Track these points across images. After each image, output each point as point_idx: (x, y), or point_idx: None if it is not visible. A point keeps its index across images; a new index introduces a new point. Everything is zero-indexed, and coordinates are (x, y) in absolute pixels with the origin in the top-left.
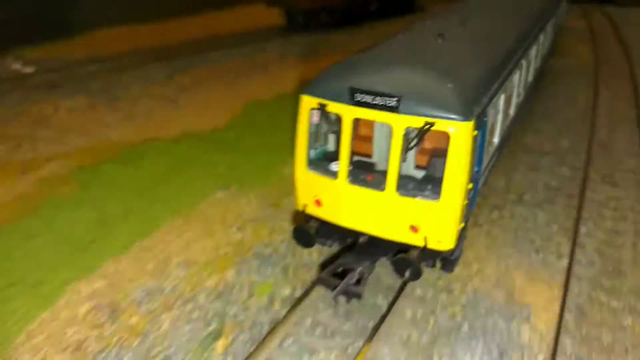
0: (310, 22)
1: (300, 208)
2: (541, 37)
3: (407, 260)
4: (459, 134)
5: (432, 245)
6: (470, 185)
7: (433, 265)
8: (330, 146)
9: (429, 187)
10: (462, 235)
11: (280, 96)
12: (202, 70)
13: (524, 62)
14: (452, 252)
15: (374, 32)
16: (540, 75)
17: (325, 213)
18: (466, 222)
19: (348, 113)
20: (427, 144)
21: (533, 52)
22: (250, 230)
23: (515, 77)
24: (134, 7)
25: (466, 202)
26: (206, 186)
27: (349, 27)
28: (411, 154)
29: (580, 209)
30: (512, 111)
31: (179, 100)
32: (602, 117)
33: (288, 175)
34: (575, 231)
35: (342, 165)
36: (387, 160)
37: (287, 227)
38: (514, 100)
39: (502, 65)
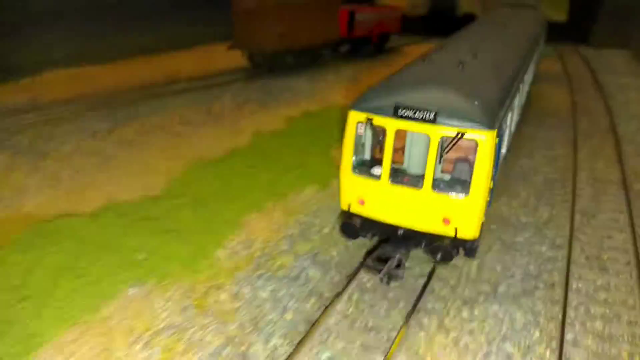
0: (275, 64)
1: (344, 208)
2: (532, 66)
3: (441, 246)
4: (486, 140)
5: (461, 235)
6: (491, 184)
7: (458, 253)
8: (367, 155)
9: (458, 186)
10: (482, 227)
11: (232, 153)
12: (150, 120)
13: (521, 86)
14: (475, 240)
15: (339, 75)
16: (529, 98)
17: (368, 210)
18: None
19: (391, 125)
20: (451, 154)
21: (526, 77)
22: (160, 347)
23: (516, 99)
24: (88, 47)
25: (488, 198)
26: (117, 281)
27: (316, 69)
28: (437, 165)
29: (565, 305)
30: (513, 127)
31: (115, 158)
32: (584, 180)
33: (224, 259)
34: (561, 339)
35: (385, 169)
36: (419, 165)
37: (211, 339)
38: (515, 118)
39: (508, 89)
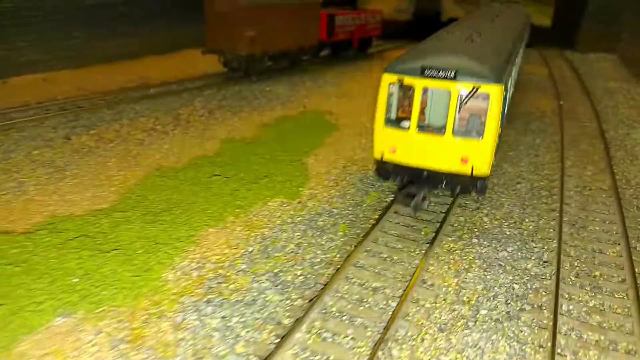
0: (252, 69)
1: (378, 157)
2: (521, 50)
3: (460, 181)
4: (496, 92)
5: (477, 172)
6: (500, 130)
7: (471, 192)
8: (394, 114)
9: (473, 132)
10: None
11: (196, 161)
12: (112, 127)
13: (516, 61)
14: (486, 179)
15: (319, 81)
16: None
17: (398, 157)
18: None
19: (419, 83)
20: (464, 113)
21: (518, 59)
22: None
23: (513, 71)
24: (58, 51)
25: (497, 141)
26: (43, 309)
27: (296, 74)
28: (457, 115)
29: (554, 331)
30: (508, 99)
31: (68, 169)
32: (572, 187)
33: (171, 282)
34: None
35: (413, 120)
36: (439, 119)
37: None
38: (510, 90)
39: (507, 59)
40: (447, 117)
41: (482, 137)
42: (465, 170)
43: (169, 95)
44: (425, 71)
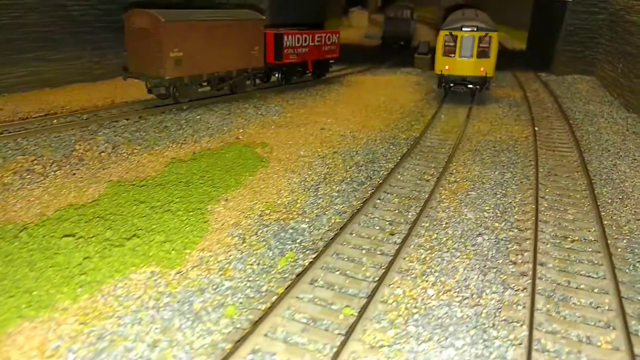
0: (182, 95)
1: (438, 72)
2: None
3: (480, 82)
4: (495, 36)
5: (488, 75)
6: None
7: (486, 85)
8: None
9: (485, 57)
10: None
11: (60, 215)
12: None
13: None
14: (491, 78)
15: (262, 109)
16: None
17: (450, 71)
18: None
19: (460, 34)
20: (481, 45)
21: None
22: None
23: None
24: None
25: (496, 60)
26: None
27: (238, 101)
28: (478, 48)
29: None
30: None
31: None
32: (549, 239)
33: None
34: None
35: (457, 52)
36: (467, 53)
37: None
38: None
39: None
40: (473, 49)
41: (489, 58)
42: (482, 74)
43: (73, 127)
44: (463, 28)
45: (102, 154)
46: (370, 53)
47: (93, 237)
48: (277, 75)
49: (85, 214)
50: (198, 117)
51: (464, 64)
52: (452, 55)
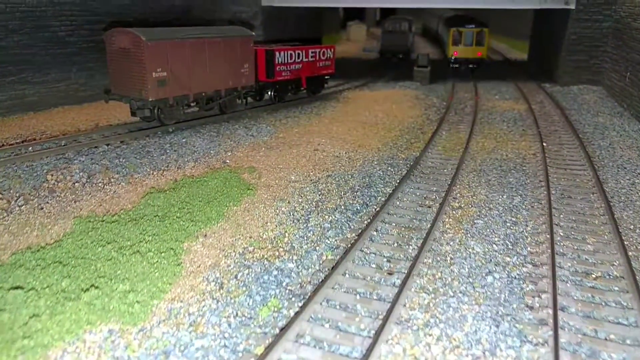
0: (168, 117)
1: (450, 56)
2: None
3: (476, 61)
4: (487, 31)
5: (482, 56)
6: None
7: (481, 65)
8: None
9: (481, 45)
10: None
11: (16, 260)
12: None
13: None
14: (485, 59)
15: (253, 130)
16: None
17: (459, 55)
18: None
19: (464, 30)
20: (478, 37)
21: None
22: None
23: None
24: None
25: (487, 47)
26: None
27: (227, 122)
28: (475, 38)
29: None
30: None
31: None
32: (568, 276)
33: None
34: None
35: (462, 42)
36: (470, 40)
37: None
38: None
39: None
40: (473, 40)
41: (484, 45)
42: (479, 57)
43: (48, 155)
44: (465, 25)
45: (76, 184)
46: (368, 67)
47: (47, 287)
48: (269, 93)
49: (44, 258)
50: (184, 140)
51: (466, 50)
52: (459, 44)
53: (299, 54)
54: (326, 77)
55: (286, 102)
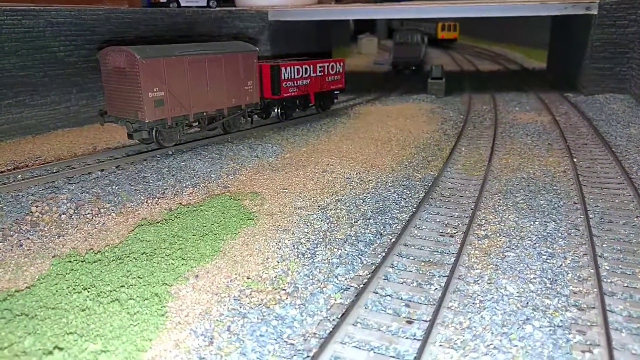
0: (166, 138)
1: (439, 37)
2: None
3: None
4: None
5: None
6: None
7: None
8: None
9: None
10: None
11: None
12: None
13: None
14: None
15: (258, 151)
16: None
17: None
18: None
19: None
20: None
21: None
22: None
23: None
24: None
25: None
26: None
27: (230, 143)
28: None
29: None
30: None
31: None
32: (622, 323)
33: None
34: None
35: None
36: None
37: None
38: None
39: None
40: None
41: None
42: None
43: (36, 183)
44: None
45: (62, 216)
46: (380, 80)
47: (6, 348)
48: (276, 110)
49: (11, 309)
50: (183, 163)
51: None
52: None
53: (306, 69)
54: (336, 92)
55: (294, 119)
